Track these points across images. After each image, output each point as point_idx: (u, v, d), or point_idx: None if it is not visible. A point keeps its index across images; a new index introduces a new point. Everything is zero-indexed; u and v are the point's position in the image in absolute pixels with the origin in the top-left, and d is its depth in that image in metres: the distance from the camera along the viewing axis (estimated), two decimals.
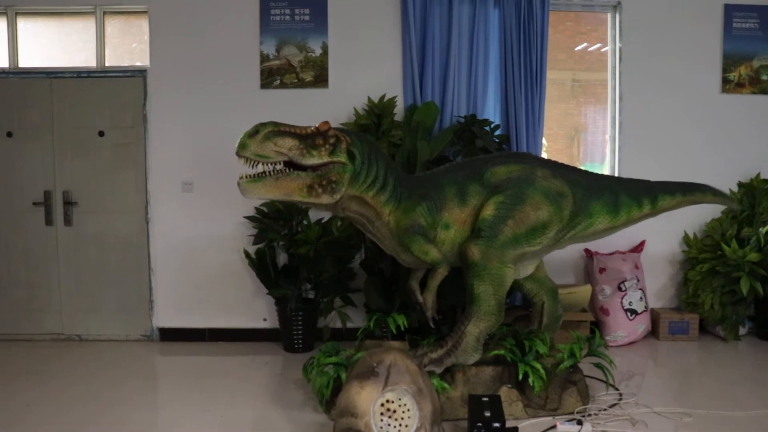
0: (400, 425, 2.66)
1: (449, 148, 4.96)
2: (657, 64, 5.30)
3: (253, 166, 3.30)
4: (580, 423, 3.40)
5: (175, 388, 4.16)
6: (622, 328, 5.02)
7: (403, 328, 3.97)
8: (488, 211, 3.56)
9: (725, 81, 5.38)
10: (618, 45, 5.33)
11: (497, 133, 5.08)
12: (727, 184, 5.35)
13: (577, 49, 5.88)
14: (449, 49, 5.01)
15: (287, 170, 3.33)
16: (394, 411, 2.66)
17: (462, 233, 3.64)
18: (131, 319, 5.18)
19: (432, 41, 5.01)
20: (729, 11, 5.31)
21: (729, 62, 5.36)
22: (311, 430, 3.42)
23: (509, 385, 3.61)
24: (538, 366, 3.52)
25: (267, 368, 4.54)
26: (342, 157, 3.38)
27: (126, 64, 5.20)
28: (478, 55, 5.08)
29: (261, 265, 4.92)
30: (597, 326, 5.11)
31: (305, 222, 4.93)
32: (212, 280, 5.16)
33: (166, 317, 5.19)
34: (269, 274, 4.89)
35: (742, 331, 5.22)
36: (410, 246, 3.57)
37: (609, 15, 5.43)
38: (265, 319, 5.20)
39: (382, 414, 2.66)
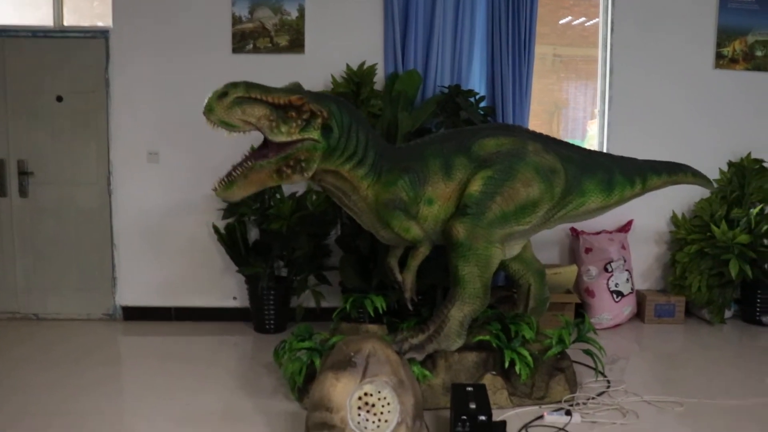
0: (379, 420, 2.43)
1: (432, 120, 4.70)
2: (649, 37, 5.08)
3: (215, 128, 3.02)
4: (568, 413, 3.21)
5: (139, 372, 3.88)
6: (608, 311, 4.86)
7: (381, 311, 3.74)
8: (475, 187, 3.32)
9: (719, 56, 5.17)
10: (610, 17, 5.08)
11: (482, 104, 4.83)
12: (717, 162, 5.18)
13: (561, 22, 5.64)
14: (434, 14, 4.72)
15: (249, 164, 3.07)
16: (373, 405, 2.43)
17: (446, 209, 3.40)
18: (92, 296, 4.88)
19: (416, 6, 4.71)
20: None
21: (723, 37, 5.15)
22: (282, 420, 3.18)
23: (494, 373, 3.40)
24: (525, 353, 3.31)
25: (236, 350, 4.29)
26: (314, 134, 3.09)
27: (86, 24, 4.83)
28: (464, 23, 4.80)
29: (231, 240, 4.64)
30: (581, 308, 4.94)
31: (278, 196, 4.66)
32: (179, 257, 4.88)
33: (130, 295, 4.90)
34: (240, 250, 4.62)
35: (727, 314, 5.09)
36: (390, 222, 3.32)
37: None
38: (234, 298, 4.95)
39: (359, 408, 2.43)
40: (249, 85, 3.02)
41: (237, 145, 4.66)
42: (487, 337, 3.39)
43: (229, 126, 2.99)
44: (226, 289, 4.93)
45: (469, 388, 2.99)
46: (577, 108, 5.65)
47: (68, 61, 4.71)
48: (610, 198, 3.62)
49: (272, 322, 4.66)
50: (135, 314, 4.89)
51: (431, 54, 4.76)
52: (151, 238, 4.84)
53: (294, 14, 4.74)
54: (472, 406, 2.80)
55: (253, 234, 4.81)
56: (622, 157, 3.75)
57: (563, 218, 3.62)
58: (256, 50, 4.73)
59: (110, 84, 4.72)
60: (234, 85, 3.00)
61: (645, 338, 4.70)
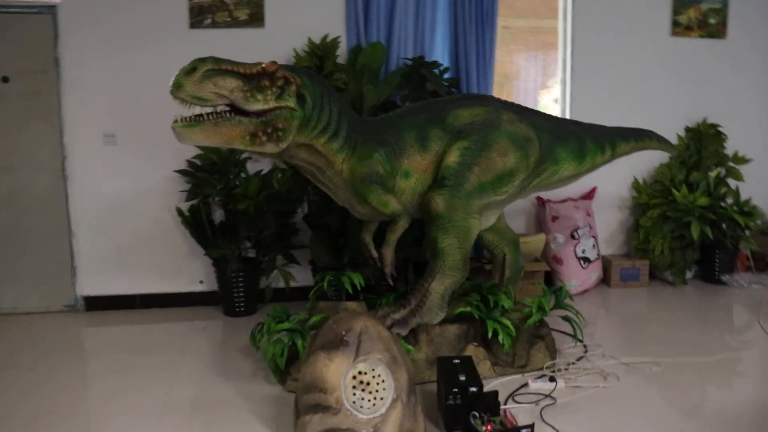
0: (375, 398, 2.39)
1: (397, 93, 4.64)
2: (609, 5, 5.11)
3: (189, 107, 2.90)
4: (552, 380, 3.24)
5: (109, 365, 3.70)
6: (575, 277, 4.92)
7: (359, 288, 3.69)
8: (452, 158, 3.28)
9: (675, 24, 5.25)
10: None
11: (446, 76, 4.79)
12: (675, 128, 5.29)
13: None
14: None
15: (227, 115, 2.95)
16: (368, 383, 2.39)
17: (423, 182, 3.36)
18: (51, 288, 4.65)
19: None
20: None
21: (679, 5, 5.23)
22: (267, 404, 3.12)
23: (475, 344, 3.41)
24: (507, 322, 3.32)
25: (208, 336, 4.17)
26: (290, 102, 3.01)
27: None
28: None
29: (196, 223, 4.49)
30: (549, 276, 5.00)
31: (243, 175, 4.53)
32: (141, 242, 4.70)
33: (92, 284, 4.69)
34: (205, 232, 4.48)
35: (688, 275, 5.23)
36: (367, 197, 3.26)
37: None
38: (201, 282, 4.81)
39: (354, 387, 2.38)
40: (217, 59, 2.92)
41: None
42: (469, 309, 3.39)
43: (201, 101, 2.88)
44: (191, 273, 4.79)
45: (456, 361, 2.98)
46: (527, 79, 5.66)
47: (12, 38, 4.42)
48: (582, 165, 3.64)
49: (242, 304, 4.56)
50: (98, 304, 4.69)
51: (394, 26, 4.68)
52: (111, 224, 4.65)
53: None
54: (462, 378, 2.80)
55: (217, 215, 4.68)
56: (591, 125, 3.78)
57: (537, 187, 3.62)
58: (215, 25, 4.55)
59: (60, 63, 4.46)
60: (202, 60, 2.90)
61: (613, 302, 4.80)
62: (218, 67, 2.89)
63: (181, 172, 4.51)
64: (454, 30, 4.82)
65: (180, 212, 4.51)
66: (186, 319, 4.51)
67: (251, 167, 4.62)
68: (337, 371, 2.36)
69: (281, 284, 4.75)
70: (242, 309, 4.56)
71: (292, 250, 4.67)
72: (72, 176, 4.57)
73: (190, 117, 2.92)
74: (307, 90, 3.07)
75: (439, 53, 4.88)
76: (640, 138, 3.87)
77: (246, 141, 3.00)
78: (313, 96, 3.09)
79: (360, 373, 2.39)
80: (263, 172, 4.58)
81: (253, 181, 4.37)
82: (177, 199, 4.64)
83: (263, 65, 2.95)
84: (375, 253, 3.74)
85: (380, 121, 3.42)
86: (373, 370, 2.41)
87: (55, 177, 4.56)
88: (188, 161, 4.52)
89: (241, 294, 4.54)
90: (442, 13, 4.82)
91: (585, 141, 3.63)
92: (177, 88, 2.85)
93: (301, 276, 4.80)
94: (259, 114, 2.97)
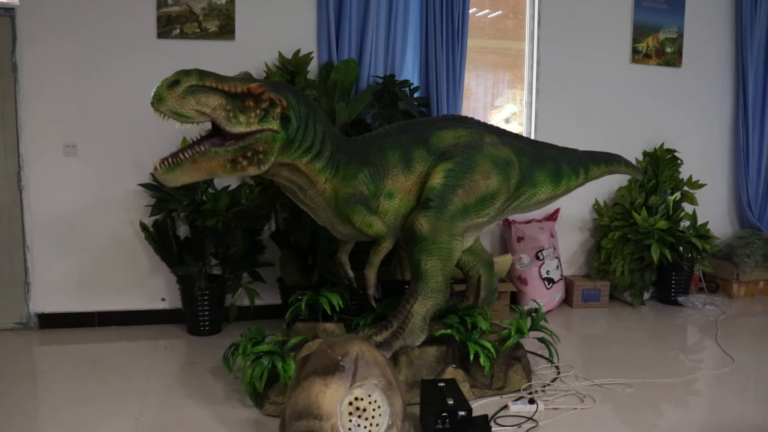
0: (371, 424, 2.34)
1: (368, 111, 4.62)
2: (573, 30, 5.24)
3: (165, 119, 2.80)
4: (532, 401, 3.25)
5: (70, 387, 3.48)
6: (540, 297, 4.98)
7: (338, 308, 3.62)
8: (437, 180, 3.28)
9: (635, 51, 5.43)
10: (537, 10, 5.20)
11: (416, 95, 4.80)
12: (633, 153, 5.44)
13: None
14: (368, 1, 4.62)
15: (202, 149, 2.87)
16: (364, 409, 2.34)
17: (407, 203, 3.34)
18: (3, 304, 4.39)
19: None
20: None
21: (638, 33, 5.41)
22: (246, 428, 3.01)
23: (454, 366, 3.39)
24: (488, 344, 3.32)
25: (173, 356, 4.02)
26: (273, 125, 2.94)
27: None
28: (397, 12, 4.73)
29: (161, 238, 4.34)
30: (515, 296, 5.05)
31: (211, 190, 4.41)
32: (100, 257, 4.50)
33: (46, 301, 4.46)
34: (171, 249, 4.33)
35: (645, 296, 5.36)
36: (351, 217, 3.21)
37: None
38: (163, 299, 4.64)
39: (350, 414, 2.33)
40: (202, 73, 2.83)
41: (163, 135, 4.38)
42: (450, 331, 3.37)
43: (181, 117, 2.78)
44: (153, 289, 4.62)
45: (441, 384, 2.96)
46: (477, 99, 5.73)
47: None
48: (558, 188, 3.70)
49: (207, 323, 4.41)
50: (52, 322, 4.46)
51: (366, 43, 4.66)
52: (69, 237, 4.44)
53: None
54: (450, 401, 2.78)
55: (181, 231, 4.53)
56: (565, 148, 3.84)
57: (516, 209, 3.65)
58: (183, 35, 4.43)
59: (18, 69, 4.25)
60: (186, 73, 2.80)
61: (575, 323, 4.87)
62: (202, 83, 2.80)
63: (145, 186, 4.36)
64: (424, 48, 4.84)
65: (144, 227, 4.35)
66: (148, 338, 4.34)
67: (218, 182, 4.50)
68: (333, 397, 2.30)
69: (245, 302, 4.63)
70: (207, 328, 4.42)
71: (258, 268, 4.57)
72: (29, 188, 4.35)
73: (167, 160, 2.87)
74: (292, 110, 3.01)
75: (410, 71, 4.89)
76: (610, 162, 3.96)
77: (227, 169, 2.95)
78: (298, 116, 3.04)
79: (356, 399, 2.34)
80: (230, 188, 4.47)
81: (223, 197, 4.26)
82: (139, 214, 4.48)
83: (249, 86, 2.87)
84: (351, 273, 3.70)
85: (363, 140, 3.39)
86: (369, 395, 2.35)
87: (10, 188, 4.32)
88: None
89: (206, 312, 4.40)
90: (413, 31, 4.84)
91: (561, 164, 3.69)
92: (158, 101, 2.75)
93: (266, 294, 4.70)
94: (238, 137, 2.90)
